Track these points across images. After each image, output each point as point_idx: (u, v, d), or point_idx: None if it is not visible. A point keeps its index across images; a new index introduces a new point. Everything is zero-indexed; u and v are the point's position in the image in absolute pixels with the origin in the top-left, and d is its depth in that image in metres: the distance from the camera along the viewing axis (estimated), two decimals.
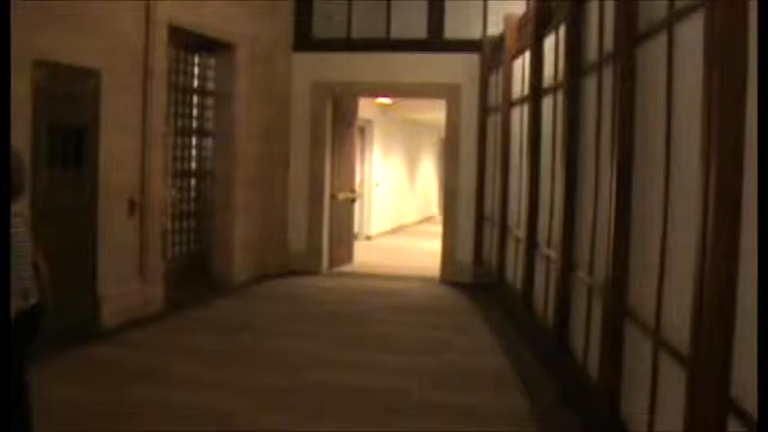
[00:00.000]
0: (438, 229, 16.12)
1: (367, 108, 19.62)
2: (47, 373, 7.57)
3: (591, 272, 7.15)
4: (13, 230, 4.88)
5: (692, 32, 4.66)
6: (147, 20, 10.50)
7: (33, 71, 8.48)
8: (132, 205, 10.35)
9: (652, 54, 5.56)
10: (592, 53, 7.45)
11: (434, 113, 20.21)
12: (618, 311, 5.99)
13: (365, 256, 17.55)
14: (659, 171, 5.20)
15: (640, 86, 5.86)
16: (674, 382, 4.68)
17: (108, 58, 9.73)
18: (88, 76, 9.46)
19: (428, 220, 29.50)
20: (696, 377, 4.18)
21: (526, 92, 10.56)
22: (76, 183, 9.42)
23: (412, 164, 28.78)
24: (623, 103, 6.00)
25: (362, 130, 21.12)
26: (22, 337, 5.02)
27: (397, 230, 25.16)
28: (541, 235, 9.57)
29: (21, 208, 5.12)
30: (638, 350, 5.60)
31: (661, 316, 5.11)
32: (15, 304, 4.89)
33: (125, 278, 10.32)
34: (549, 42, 9.49)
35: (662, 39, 5.30)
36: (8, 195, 4.84)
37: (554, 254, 8.60)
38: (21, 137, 8.28)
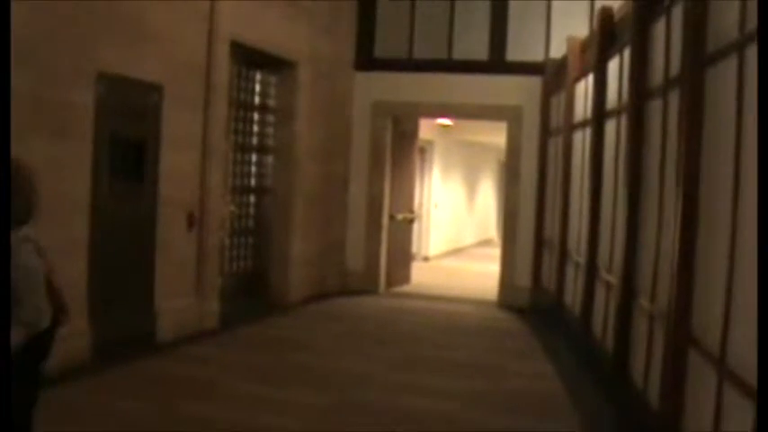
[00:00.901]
0: (495, 252, 16.02)
1: (427, 129, 19.56)
2: (102, 384, 7.61)
3: (653, 299, 7.01)
4: (23, 258, 4.55)
5: None
6: (210, 35, 10.55)
7: (96, 83, 8.55)
8: (191, 220, 10.38)
9: (721, 78, 5.43)
10: (658, 76, 7.33)
11: (494, 135, 20.12)
12: (681, 339, 5.86)
13: (423, 277, 17.45)
14: (726, 197, 5.08)
15: (708, 111, 5.73)
16: (740, 414, 4.55)
17: (170, 73, 9.78)
18: (150, 90, 9.52)
19: (486, 242, 29.34)
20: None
21: (589, 115, 10.43)
22: (137, 196, 9.46)
23: (471, 186, 28.67)
24: (690, 128, 5.87)
25: (422, 151, 21.06)
26: (32, 364, 4.78)
27: (454, 252, 25.04)
28: (602, 260, 9.42)
29: (31, 233, 4.70)
30: (701, 379, 5.47)
31: (726, 345, 4.97)
32: (26, 333, 4.58)
33: (182, 293, 10.34)
34: (613, 65, 9.37)
35: (732, 62, 5.17)
36: (8, 196, 4.55)
37: (614, 280, 8.46)
38: (83, 149, 8.37)
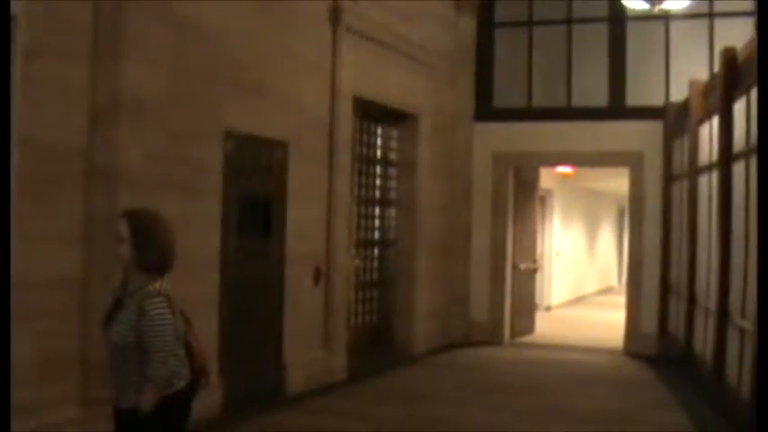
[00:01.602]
0: (617, 300, 15.81)
1: (547, 177, 19.49)
2: None
3: None
4: (152, 311, 4.53)
5: None
6: (332, 91, 10.73)
7: (224, 142, 8.76)
8: (318, 274, 10.49)
9: None
10: None
11: (614, 182, 19.94)
12: None
13: (546, 326, 17.28)
14: None
15: None
16: None
17: (294, 129, 9.96)
18: (276, 147, 9.70)
19: (607, 290, 28.93)
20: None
21: (715, 158, 10.27)
22: (264, 251, 9.61)
23: (591, 233, 28.36)
24: None
25: (543, 200, 20.96)
26: (169, 420, 4.71)
27: (576, 301, 24.75)
28: (734, 305, 9.23)
29: (166, 287, 4.66)
30: None
31: None
32: (155, 391, 4.57)
33: (310, 346, 10.44)
34: (739, 106, 9.23)
35: None
36: (8, 197, 4.61)
37: (749, 325, 8.27)
38: (212, 206, 8.56)
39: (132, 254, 4.63)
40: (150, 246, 4.64)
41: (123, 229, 4.64)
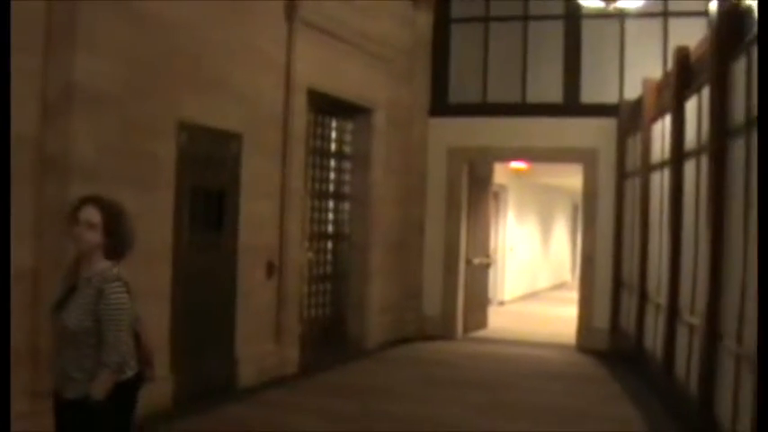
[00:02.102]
0: (571, 295, 15.89)
1: (502, 173, 19.55)
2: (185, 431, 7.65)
3: (740, 340, 6.90)
4: (113, 295, 4.57)
5: None
6: (288, 85, 10.69)
7: (178, 134, 8.70)
8: (270, 267, 10.45)
9: None
10: (739, 115, 7.27)
11: (568, 178, 20.05)
12: None
13: (499, 321, 17.35)
14: None
15: None
16: None
17: (249, 122, 9.92)
18: (230, 140, 9.65)
19: (561, 286, 29.10)
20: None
21: (667, 155, 10.36)
22: (217, 244, 9.57)
23: (545, 229, 28.51)
24: None
25: (497, 195, 21.02)
26: (118, 411, 4.67)
27: (530, 296, 24.87)
28: (684, 302, 9.31)
29: (123, 273, 4.71)
30: None
31: None
32: (111, 377, 4.57)
33: (262, 340, 10.41)
34: (691, 104, 9.30)
35: None
36: (8, 195, 4.64)
37: (698, 321, 8.35)
38: (165, 198, 8.50)
39: (102, 240, 4.66)
40: (121, 233, 4.72)
41: (94, 215, 4.66)
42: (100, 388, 4.52)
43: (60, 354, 4.65)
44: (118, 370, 4.59)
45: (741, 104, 7.16)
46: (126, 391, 4.70)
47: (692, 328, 8.76)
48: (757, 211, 3.25)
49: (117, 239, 4.70)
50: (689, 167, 9.31)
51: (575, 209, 29.81)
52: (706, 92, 8.36)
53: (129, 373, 4.71)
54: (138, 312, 4.91)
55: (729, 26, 7.65)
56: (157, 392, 8.07)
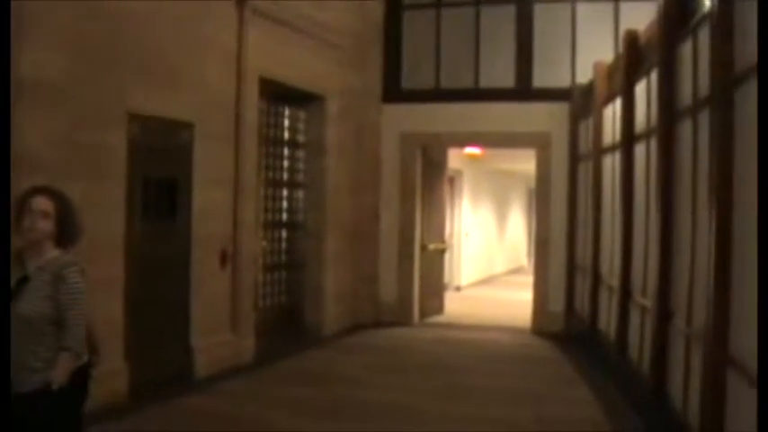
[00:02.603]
0: (527, 279, 15.96)
1: (456, 158, 19.59)
2: (141, 422, 7.63)
3: (689, 320, 6.98)
4: (72, 280, 4.65)
5: None
6: (238, 73, 10.64)
7: (128, 125, 8.64)
8: (224, 257, 10.42)
9: (751, 97, 5.42)
10: (686, 98, 7.34)
11: (523, 163, 20.12)
12: (719, 360, 5.83)
13: (456, 306, 17.42)
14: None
15: (739, 130, 5.73)
16: None
17: (200, 111, 9.87)
18: (181, 129, 9.61)
19: (517, 270, 29.24)
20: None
21: (618, 139, 10.43)
22: (170, 234, 9.54)
23: (501, 214, 28.63)
24: (721, 148, 5.87)
25: (452, 181, 21.07)
26: (75, 397, 4.73)
27: (486, 281, 24.98)
28: (635, 284, 9.40)
29: (76, 258, 4.82)
30: (742, 400, 5.44)
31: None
32: (69, 361, 4.62)
33: (217, 329, 10.38)
34: (640, 88, 9.37)
35: None
36: (8, 191, 4.69)
37: (649, 303, 8.43)
38: (116, 189, 8.44)
39: (54, 229, 4.73)
40: (73, 221, 4.82)
41: (47, 204, 4.72)
42: (61, 372, 4.56)
43: (15, 346, 4.56)
44: (77, 354, 4.65)
45: (688, 87, 7.23)
46: (81, 377, 4.74)
47: (643, 309, 8.84)
48: (757, 210, 3.30)
49: (69, 228, 4.78)
50: (639, 150, 9.39)
51: (530, 194, 29.94)
52: (655, 75, 8.42)
53: (84, 359, 4.77)
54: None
55: (677, 10, 7.72)
56: (112, 383, 8.07)
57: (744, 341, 5.46)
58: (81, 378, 4.73)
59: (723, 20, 5.93)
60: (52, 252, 4.73)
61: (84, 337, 4.73)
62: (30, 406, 4.56)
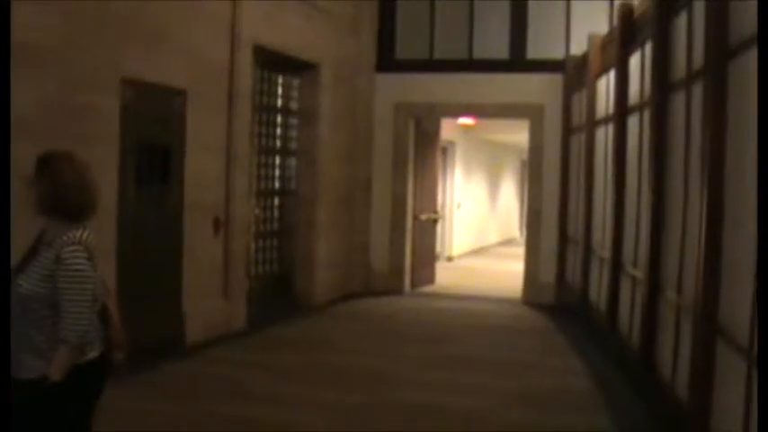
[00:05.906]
0: (518, 250, 16.00)
1: (449, 129, 19.59)
2: (133, 388, 7.64)
3: (679, 291, 7.02)
4: (69, 261, 4.02)
5: None
6: (232, 40, 10.61)
7: (122, 90, 8.61)
8: (217, 224, 10.43)
9: (745, 69, 5.43)
10: (680, 69, 7.34)
11: (516, 134, 20.13)
12: (709, 331, 5.86)
13: (447, 276, 17.47)
14: (752, 188, 5.08)
15: (732, 103, 5.74)
16: None
17: (193, 78, 9.84)
18: (174, 96, 9.58)
19: (509, 242, 29.31)
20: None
21: (611, 111, 10.43)
22: (163, 201, 9.52)
23: (493, 185, 28.65)
24: (714, 120, 5.88)
25: (444, 151, 21.07)
26: (78, 398, 4.13)
27: (478, 252, 25.04)
28: (627, 255, 9.44)
29: (85, 235, 4.11)
30: (731, 370, 5.47)
31: (755, 335, 4.98)
32: (66, 355, 4.02)
33: (209, 296, 10.40)
34: (634, 60, 9.38)
35: (754, 53, 5.16)
36: (8, 185, 4.05)
37: (640, 274, 8.47)
38: (109, 154, 8.42)
39: (38, 199, 4.13)
40: (57, 191, 4.11)
41: (30, 173, 4.15)
42: (55, 367, 3.98)
43: (14, 326, 4.02)
44: (78, 348, 4.05)
45: (682, 59, 7.23)
46: (87, 375, 4.14)
47: (634, 280, 8.88)
48: (757, 211, 3.31)
49: (53, 198, 4.12)
50: (632, 122, 9.40)
51: (522, 165, 29.97)
52: (649, 47, 8.42)
53: (92, 355, 4.16)
54: (108, 288, 4.49)
55: None
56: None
57: (733, 311, 5.50)
58: (86, 376, 4.13)
59: None
60: (59, 226, 4.09)
61: (92, 328, 4.13)
62: (19, 395, 3.98)
